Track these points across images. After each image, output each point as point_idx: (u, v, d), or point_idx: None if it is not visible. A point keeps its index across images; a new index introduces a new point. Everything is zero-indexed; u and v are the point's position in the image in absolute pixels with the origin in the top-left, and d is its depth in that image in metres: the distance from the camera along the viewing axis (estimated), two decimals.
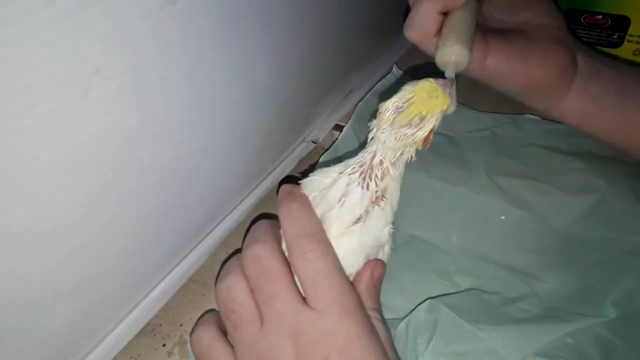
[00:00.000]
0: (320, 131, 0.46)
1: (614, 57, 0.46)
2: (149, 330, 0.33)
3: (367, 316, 0.26)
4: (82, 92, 0.21)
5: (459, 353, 0.29)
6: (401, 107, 0.27)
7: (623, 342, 0.30)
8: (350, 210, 0.27)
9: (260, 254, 0.27)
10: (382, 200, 0.28)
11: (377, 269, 0.28)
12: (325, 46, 0.41)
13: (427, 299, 0.33)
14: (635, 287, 0.31)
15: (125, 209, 0.26)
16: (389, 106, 0.27)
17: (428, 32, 0.31)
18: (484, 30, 0.34)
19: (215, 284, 0.30)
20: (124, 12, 0.21)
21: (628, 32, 0.45)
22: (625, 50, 0.46)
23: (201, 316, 0.32)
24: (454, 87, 0.27)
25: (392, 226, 0.29)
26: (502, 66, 0.34)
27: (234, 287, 0.27)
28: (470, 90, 0.51)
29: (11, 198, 0.20)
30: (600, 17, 0.46)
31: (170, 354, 0.32)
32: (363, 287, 0.27)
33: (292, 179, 0.38)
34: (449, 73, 0.29)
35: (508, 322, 0.31)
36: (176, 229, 0.32)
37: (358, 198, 0.27)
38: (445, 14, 0.31)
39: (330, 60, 0.43)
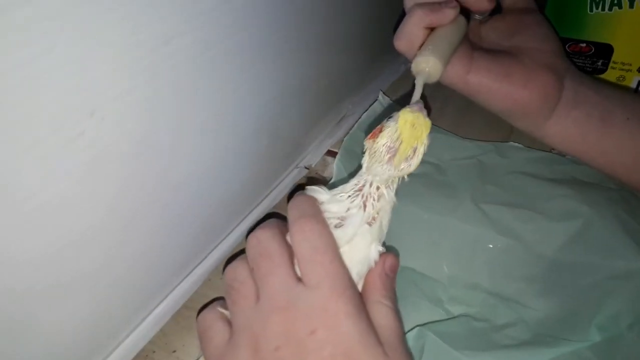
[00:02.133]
0: (313, 157, 0.47)
1: (608, 83, 0.47)
2: (142, 357, 0.33)
3: (358, 297, 0.26)
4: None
5: None
6: (392, 146, 0.28)
7: None
8: (348, 232, 0.28)
9: (261, 237, 0.28)
10: (373, 220, 0.29)
11: (390, 259, 0.29)
12: (317, 74, 0.42)
13: (416, 326, 0.33)
14: (619, 311, 0.32)
15: (119, 244, 0.27)
16: (380, 148, 0.28)
17: (413, 44, 0.34)
18: (473, 48, 0.36)
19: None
20: (121, 56, 0.22)
21: (611, 59, 0.46)
22: (609, 77, 0.47)
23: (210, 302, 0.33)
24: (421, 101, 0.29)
25: (381, 247, 0.30)
26: (483, 83, 0.36)
27: (237, 268, 0.29)
28: (459, 114, 0.52)
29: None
30: (584, 45, 0.47)
31: None
32: (376, 276, 0.29)
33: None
34: (419, 81, 0.31)
35: (494, 348, 0.32)
36: (169, 257, 0.33)
37: (358, 223, 0.29)
38: (432, 29, 0.34)
39: (323, 88, 0.45)
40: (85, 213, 0.24)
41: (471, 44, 0.37)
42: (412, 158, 0.28)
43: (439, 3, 0.33)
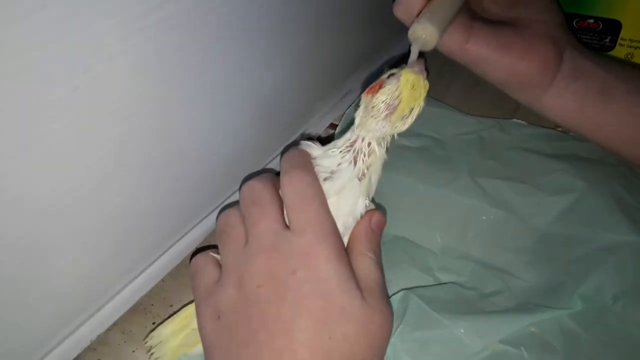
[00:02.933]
0: (315, 129, 0.47)
1: (613, 59, 0.47)
2: (141, 309, 0.35)
3: (339, 244, 0.28)
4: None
5: (424, 339, 0.31)
6: (391, 104, 0.29)
7: (588, 334, 0.31)
8: (336, 185, 0.30)
9: (254, 186, 0.30)
10: (362, 175, 0.30)
11: (376, 215, 0.31)
12: (320, 47, 0.43)
13: (403, 289, 0.34)
14: (603, 282, 0.32)
15: (118, 199, 0.29)
16: (379, 104, 0.29)
17: (411, 12, 0.34)
18: (473, 18, 0.36)
19: None
20: (115, 16, 0.24)
21: (620, 36, 0.46)
22: (618, 54, 0.47)
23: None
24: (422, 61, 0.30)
25: (369, 202, 0.31)
26: (482, 52, 0.36)
27: (229, 214, 0.30)
28: (466, 91, 0.52)
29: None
30: (592, 20, 0.46)
31: None
32: (362, 230, 0.30)
33: None
34: (414, 48, 0.31)
35: (475, 313, 0.32)
36: (168, 215, 0.34)
37: (347, 177, 0.30)
38: None
39: (328, 62, 0.45)
40: (84, 167, 0.26)
41: (471, 14, 0.37)
42: (407, 117, 0.29)
43: None
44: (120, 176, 0.28)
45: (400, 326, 0.32)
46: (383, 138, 0.31)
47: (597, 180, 0.38)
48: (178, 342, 0.32)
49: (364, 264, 0.29)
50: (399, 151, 0.45)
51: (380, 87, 0.29)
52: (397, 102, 0.29)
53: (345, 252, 0.28)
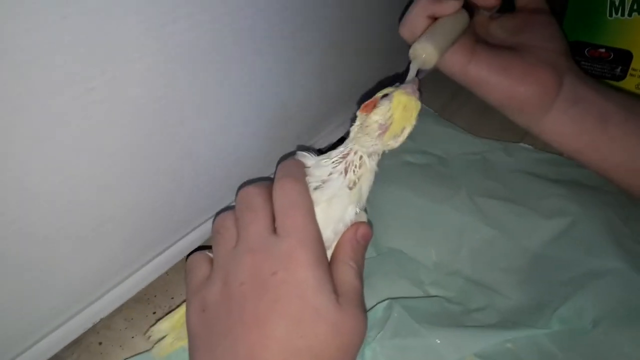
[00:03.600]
0: (325, 142, 0.50)
1: (618, 89, 0.47)
2: (144, 299, 0.38)
3: (321, 250, 0.29)
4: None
5: (402, 347, 0.32)
6: (384, 124, 0.31)
7: (564, 354, 0.31)
8: (326, 194, 0.32)
9: (249, 192, 0.32)
10: (354, 184, 0.32)
11: (363, 228, 0.33)
12: (339, 64, 0.45)
13: (389, 298, 0.36)
14: (584, 305, 0.33)
15: (127, 194, 0.32)
16: (372, 124, 0.31)
17: (415, 32, 0.36)
18: (476, 41, 0.38)
19: None
20: (143, 21, 0.27)
21: (630, 66, 0.46)
22: (628, 84, 0.47)
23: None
24: (416, 81, 0.32)
25: (360, 210, 0.33)
26: (482, 75, 0.37)
27: (224, 217, 0.33)
28: (477, 115, 0.53)
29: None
30: (603, 50, 0.47)
31: (158, 320, 0.36)
32: (347, 240, 0.32)
33: None
34: (413, 65, 0.33)
35: (455, 326, 0.33)
36: (176, 212, 0.37)
37: (337, 186, 0.32)
38: (435, 19, 0.36)
39: (345, 78, 0.48)
40: (97, 163, 0.29)
41: (476, 38, 0.38)
42: (399, 136, 0.31)
43: None
44: (134, 173, 0.31)
45: (381, 332, 0.33)
46: (375, 152, 0.32)
47: (592, 207, 0.39)
48: (176, 336, 0.34)
49: (344, 272, 0.30)
50: (403, 167, 0.47)
51: (374, 105, 0.31)
52: (389, 122, 0.30)
53: (325, 258, 0.30)
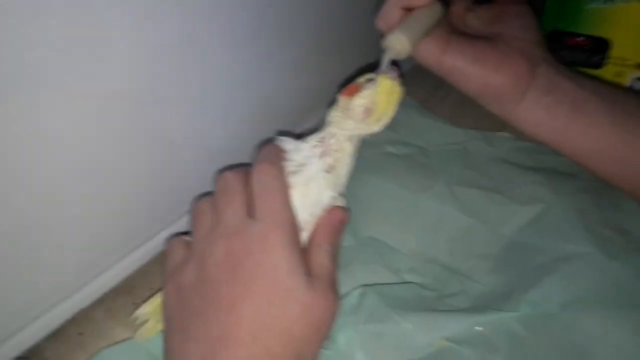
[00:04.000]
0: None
1: (596, 77, 0.47)
2: (124, 290, 0.38)
3: (294, 233, 0.30)
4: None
5: (375, 332, 0.33)
6: (369, 107, 0.31)
7: (532, 338, 0.32)
8: (302, 178, 0.32)
9: (227, 177, 0.33)
10: (332, 168, 0.33)
11: (339, 212, 0.33)
12: (321, 55, 0.46)
13: (364, 285, 0.36)
14: (552, 289, 0.33)
15: (125, 179, 0.33)
16: (356, 107, 0.31)
17: (390, 24, 0.36)
18: (451, 32, 0.38)
19: None
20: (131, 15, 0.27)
21: (609, 55, 0.46)
22: (607, 72, 0.47)
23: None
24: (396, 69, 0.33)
25: (337, 195, 0.33)
26: (457, 65, 0.37)
27: (202, 202, 0.34)
28: (460, 105, 0.54)
29: None
30: (582, 38, 0.47)
31: None
32: (323, 223, 0.33)
33: None
34: (386, 56, 0.33)
35: (427, 311, 0.34)
36: (163, 199, 0.38)
37: (313, 170, 0.32)
38: (410, 11, 0.36)
39: (327, 70, 0.48)
40: (77, 155, 0.29)
41: (450, 28, 0.39)
42: (382, 120, 0.32)
43: None
44: (115, 165, 0.32)
45: (355, 318, 0.33)
46: (355, 136, 0.33)
47: (566, 194, 0.39)
48: (157, 319, 0.35)
49: (319, 254, 0.31)
50: (385, 157, 0.47)
51: (357, 90, 0.32)
52: (374, 105, 0.31)
53: (298, 241, 0.31)
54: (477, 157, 0.46)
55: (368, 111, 0.31)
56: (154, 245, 0.39)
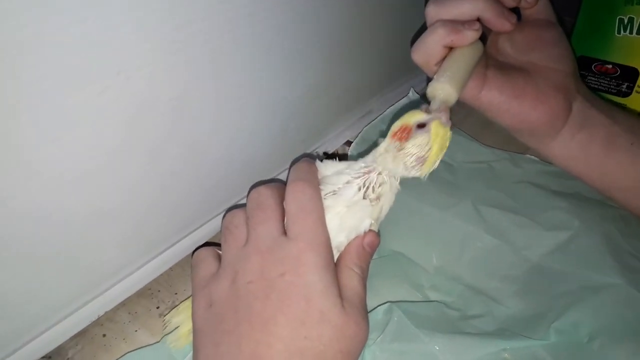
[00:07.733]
0: (331, 145, 0.50)
1: (623, 107, 0.48)
2: (148, 294, 0.38)
3: (329, 255, 0.30)
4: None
5: (401, 351, 0.33)
6: (422, 155, 0.31)
7: None
8: (343, 200, 0.32)
9: (262, 192, 0.32)
10: (375, 200, 0.32)
11: (371, 236, 0.33)
12: (345, 68, 0.46)
13: (389, 301, 0.36)
14: (580, 319, 0.33)
15: (136, 187, 0.32)
16: (410, 154, 0.31)
17: (431, 60, 0.35)
18: (487, 66, 0.37)
19: None
20: (154, 28, 0.27)
21: (637, 83, 0.47)
22: (634, 101, 0.47)
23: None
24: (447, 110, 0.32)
25: (374, 222, 0.33)
26: (494, 101, 0.37)
27: (235, 215, 0.33)
28: (480, 127, 0.54)
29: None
30: (610, 66, 0.47)
31: (161, 315, 0.37)
32: (354, 246, 0.32)
33: None
34: (434, 106, 0.32)
35: (453, 332, 0.34)
36: (187, 206, 0.38)
37: (350, 196, 0.32)
38: (450, 48, 0.35)
39: (351, 83, 0.48)
40: (107, 160, 0.29)
41: (486, 59, 0.38)
42: (432, 168, 0.31)
43: (462, 23, 0.34)
44: (143, 170, 0.32)
45: (381, 336, 0.34)
46: (400, 175, 0.33)
47: (593, 221, 0.40)
48: (190, 328, 0.34)
49: (349, 277, 0.31)
50: None
51: (409, 133, 0.31)
52: (428, 154, 0.31)
53: (333, 263, 0.30)
54: (503, 178, 0.46)
55: (421, 160, 0.31)
56: (178, 250, 0.39)
